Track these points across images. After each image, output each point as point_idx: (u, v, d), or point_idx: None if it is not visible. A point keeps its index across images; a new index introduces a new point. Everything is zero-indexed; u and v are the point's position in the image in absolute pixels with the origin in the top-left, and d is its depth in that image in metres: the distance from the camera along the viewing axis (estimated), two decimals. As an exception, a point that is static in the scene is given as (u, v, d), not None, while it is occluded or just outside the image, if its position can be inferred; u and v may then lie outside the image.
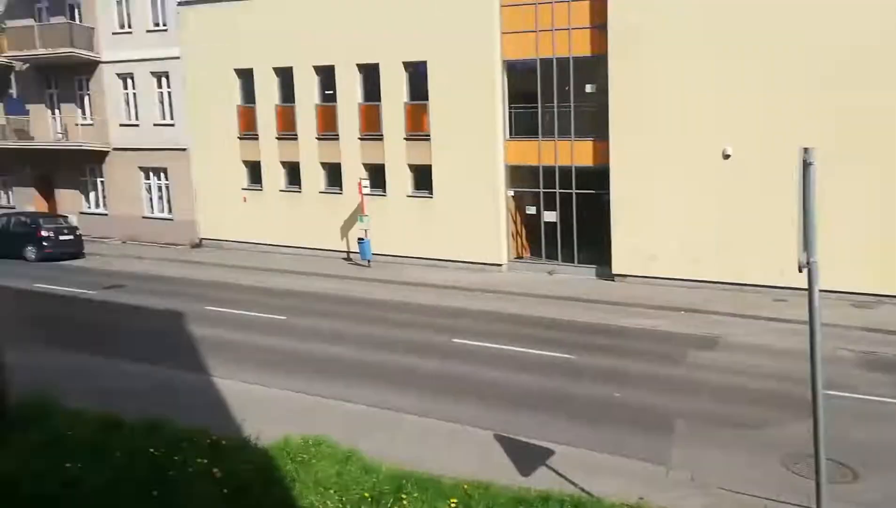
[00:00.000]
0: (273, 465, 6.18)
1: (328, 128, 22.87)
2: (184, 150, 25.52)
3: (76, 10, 26.79)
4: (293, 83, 23.10)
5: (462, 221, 20.84)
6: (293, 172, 24.01)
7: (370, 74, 21.98)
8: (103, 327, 13.56)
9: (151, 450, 6.16)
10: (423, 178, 21.78)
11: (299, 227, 23.94)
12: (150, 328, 13.48)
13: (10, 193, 30.28)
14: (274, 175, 24.22)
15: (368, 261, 21.83)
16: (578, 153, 19.25)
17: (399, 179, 22.00)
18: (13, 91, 29.22)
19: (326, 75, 22.64)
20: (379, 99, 21.72)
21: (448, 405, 9.34)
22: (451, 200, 21.05)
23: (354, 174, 22.36)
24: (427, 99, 20.95)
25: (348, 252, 23.33)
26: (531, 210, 20.80)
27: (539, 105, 19.73)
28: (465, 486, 6.23)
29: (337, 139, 22.71)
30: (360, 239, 21.83)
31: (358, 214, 22.14)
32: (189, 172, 25.66)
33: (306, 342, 12.52)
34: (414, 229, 22.01)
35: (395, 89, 21.40)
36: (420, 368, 11.03)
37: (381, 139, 21.97)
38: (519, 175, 20.66)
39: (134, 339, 12.55)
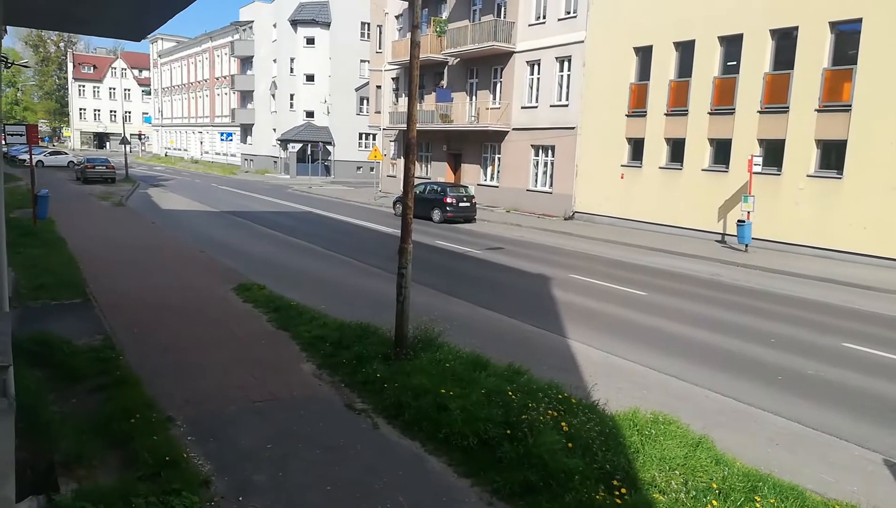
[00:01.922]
0: (618, 432, 5.97)
1: (724, 101, 21.42)
2: (572, 128, 26.85)
3: (502, 8, 30.58)
4: (692, 56, 22.31)
5: (878, 207, 17.27)
6: (677, 149, 23.16)
7: (783, 40, 19.89)
8: (482, 281, 14.64)
9: (510, 393, 6.46)
10: (833, 155, 18.74)
11: (674, 205, 22.96)
12: (520, 287, 14.13)
13: (429, 165, 36.09)
14: (656, 152, 23.72)
15: (746, 246, 19.65)
16: None
17: (800, 156, 19.33)
18: (444, 82, 34.80)
19: (731, 45, 21.27)
20: (791, 67, 19.47)
21: (823, 414, 7.48)
22: (868, 181, 17.63)
23: (745, 151, 20.44)
24: (854, 64, 17.98)
25: (724, 235, 21.43)
26: None
27: None
28: (837, 506, 5.09)
29: (732, 113, 21.10)
30: (739, 221, 19.80)
31: (742, 193, 20.16)
32: (574, 149, 26.88)
33: (666, 321, 11.56)
34: (809, 213, 19.08)
35: (813, 55, 18.90)
36: (795, 368, 9.13)
37: (785, 112, 19.65)
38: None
39: (506, 295, 13.24)
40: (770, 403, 7.78)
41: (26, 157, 35.60)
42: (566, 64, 27.45)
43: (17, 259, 12.48)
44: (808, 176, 19.20)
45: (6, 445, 4.55)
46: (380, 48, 40.46)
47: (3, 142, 16.85)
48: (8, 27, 8.39)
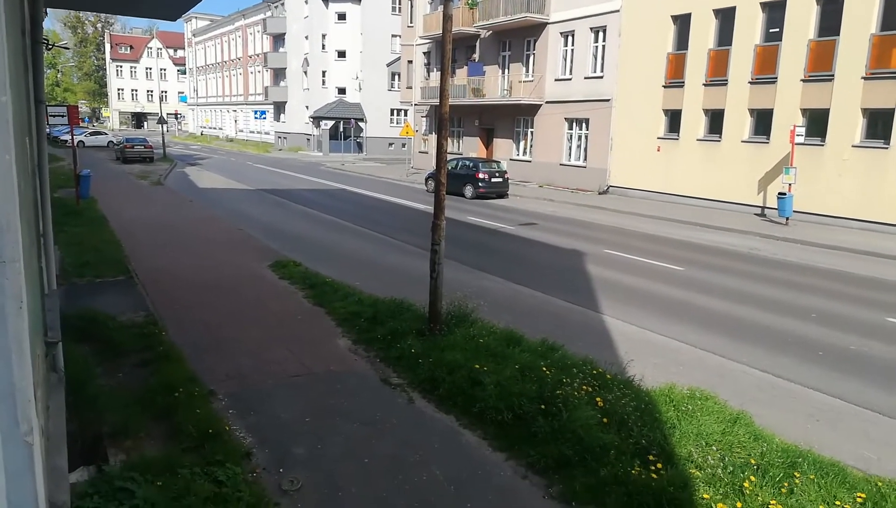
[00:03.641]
0: (654, 408, 5.91)
1: (765, 70, 20.75)
2: (607, 100, 26.36)
3: (536, -22, 29.97)
4: (733, 24, 21.60)
5: (929, 178, 16.64)
6: (715, 120, 22.58)
7: (828, 5, 19.11)
8: (515, 257, 14.55)
9: (543, 368, 6.44)
10: (880, 124, 18.07)
11: (712, 178, 22.47)
12: (553, 263, 14.01)
13: (460, 141, 35.89)
14: (693, 123, 23.16)
15: (787, 219, 19.16)
16: None
17: (845, 126, 18.67)
18: (476, 56, 34.38)
19: (773, 11, 20.52)
20: (837, 33, 18.72)
21: (865, 390, 7.25)
22: (918, 151, 17.01)
23: (788, 121, 19.82)
24: (904, 28, 17.24)
25: (763, 207, 20.92)
26: None
27: None
28: (880, 483, 4.93)
29: (774, 82, 20.44)
30: (780, 194, 19.27)
31: (784, 165, 19.60)
32: (609, 122, 26.41)
33: (703, 296, 11.35)
34: (854, 184, 18.50)
35: (860, 20, 18.14)
36: (837, 344, 8.88)
37: (830, 80, 18.95)
38: None
39: (539, 271, 13.14)
40: (810, 379, 7.63)
41: (68, 137, 36.50)
42: (601, 34, 26.86)
43: (61, 238, 12.87)
44: (853, 146, 18.55)
45: (59, 417, 4.74)
46: (411, 22, 40.11)
47: (47, 123, 17.26)
48: (48, 9, 8.55)
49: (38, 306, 4.49)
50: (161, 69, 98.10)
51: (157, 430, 5.44)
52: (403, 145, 48.21)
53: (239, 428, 5.60)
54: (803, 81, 19.68)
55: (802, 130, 19.24)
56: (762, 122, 21.11)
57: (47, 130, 10.62)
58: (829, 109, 19.05)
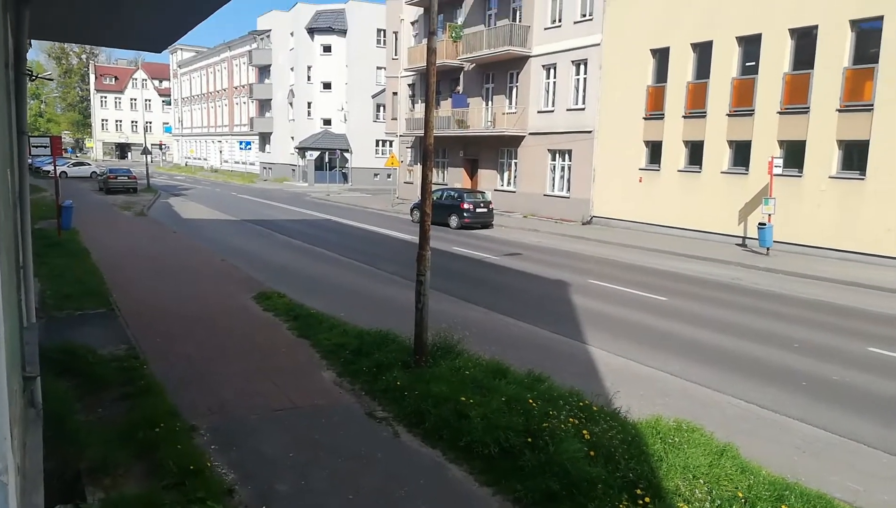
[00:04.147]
0: (641, 440, 5.92)
1: (742, 103, 21.24)
2: (589, 132, 26.76)
3: (518, 12, 30.58)
4: (710, 57, 22.15)
5: (904, 208, 16.99)
6: (695, 152, 22.99)
7: (802, 40, 19.67)
8: (500, 288, 14.54)
9: (530, 400, 6.45)
10: (855, 156, 18.49)
11: (693, 208, 22.78)
12: (538, 293, 14.05)
13: (445, 172, 36.14)
14: (674, 155, 23.56)
15: (768, 249, 19.42)
16: None
17: (822, 157, 19.09)
18: (460, 88, 34.86)
19: (749, 45, 21.09)
20: (811, 66, 19.24)
21: (850, 421, 7.33)
22: (892, 182, 17.41)
23: (766, 152, 20.23)
24: (876, 62, 17.73)
25: (744, 238, 21.21)
26: None
27: None
28: None
29: (751, 115, 20.91)
30: (760, 224, 19.57)
31: (763, 196, 19.94)
32: (591, 153, 26.77)
33: (687, 326, 11.44)
34: (832, 215, 18.83)
35: (831, 54, 18.68)
36: (820, 374, 8.97)
37: (805, 112, 19.42)
38: None
39: (524, 301, 13.18)
40: (795, 410, 7.67)
41: (50, 168, 36.26)
42: (582, 67, 27.38)
43: (42, 270, 12.69)
44: (830, 177, 18.95)
45: (35, 454, 4.62)
46: (396, 55, 40.67)
47: (29, 154, 17.16)
48: (32, 41, 8.58)
49: (17, 339, 4.41)
50: (146, 100, 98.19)
51: (138, 466, 5.32)
52: (389, 176, 48.48)
53: (221, 464, 5.49)
54: (780, 113, 20.15)
55: (780, 162, 19.64)
56: (741, 153, 21.53)
57: (29, 160, 10.57)
58: (805, 141, 19.48)
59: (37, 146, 17.59)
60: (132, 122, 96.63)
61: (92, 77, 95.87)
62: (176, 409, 6.40)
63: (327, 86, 53.24)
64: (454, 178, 35.17)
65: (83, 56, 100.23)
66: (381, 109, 51.02)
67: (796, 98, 19.71)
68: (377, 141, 53.20)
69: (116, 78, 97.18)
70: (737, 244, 21.35)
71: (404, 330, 8.60)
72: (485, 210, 26.37)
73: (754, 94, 20.80)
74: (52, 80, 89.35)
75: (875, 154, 17.81)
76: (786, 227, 19.56)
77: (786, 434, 6.92)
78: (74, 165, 53.89)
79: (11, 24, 5.51)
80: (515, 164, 31.23)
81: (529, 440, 5.68)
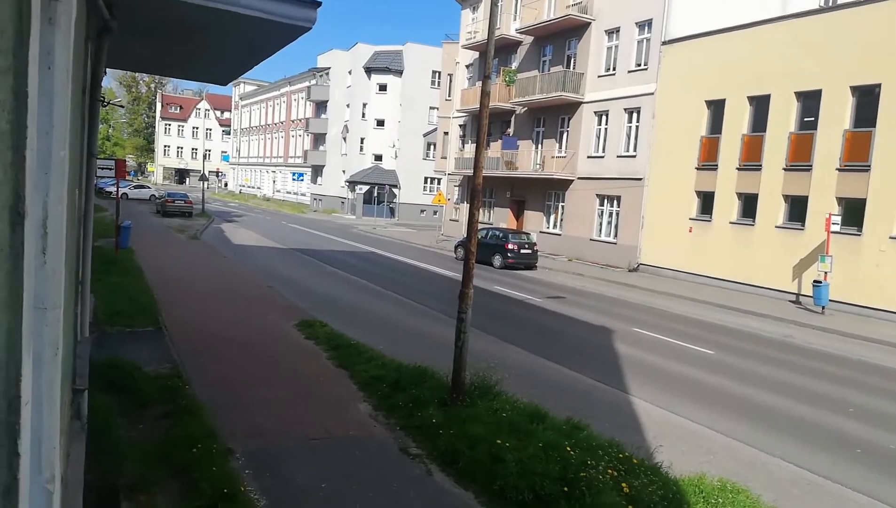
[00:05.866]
0: (683, 498, 5.74)
1: (799, 158, 20.78)
2: (639, 179, 26.54)
3: (572, 60, 30.88)
4: (767, 111, 21.84)
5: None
6: (749, 204, 22.51)
7: (864, 97, 19.26)
8: (542, 330, 14.40)
9: (568, 448, 6.32)
10: (918, 216, 17.85)
11: (745, 262, 22.20)
12: (581, 338, 13.86)
13: (491, 211, 36.28)
14: (726, 206, 23.11)
15: (823, 308, 18.72)
16: None
17: (882, 216, 18.44)
18: (510, 130, 35.19)
19: (808, 101, 20.74)
20: (873, 124, 18.78)
21: None
22: (959, 246, 16.67)
23: (823, 209, 19.67)
24: (942, 122, 17.21)
25: (798, 295, 20.50)
26: None
27: None
28: None
29: (808, 170, 20.43)
30: (816, 281, 18.91)
31: (819, 253, 19.32)
32: (641, 200, 26.50)
33: (735, 383, 11.05)
34: (892, 275, 18.09)
35: (893, 112, 18.20)
36: (876, 441, 8.48)
37: (866, 170, 18.88)
38: None
39: (566, 345, 12.99)
40: (848, 478, 7.26)
41: (113, 189, 37.89)
42: (635, 115, 27.32)
43: (97, 286, 13.15)
44: (890, 238, 18.26)
45: (77, 465, 4.72)
46: (449, 96, 41.43)
47: (95, 175, 17.99)
48: (108, 69, 9.10)
49: (70, 352, 4.56)
50: (207, 129, 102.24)
51: (173, 485, 5.37)
52: (435, 213, 48.91)
53: (254, 489, 5.50)
54: (839, 169, 19.63)
55: (838, 219, 19.06)
56: (797, 208, 20.98)
57: (95, 181, 11.07)
58: (865, 199, 18.89)
59: (102, 168, 18.43)
60: (192, 149, 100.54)
61: (158, 105, 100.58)
62: (214, 430, 6.47)
63: (381, 123, 54.53)
64: (500, 218, 35.25)
65: (152, 85, 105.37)
66: (432, 147, 51.85)
67: (856, 155, 19.19)
68: (425, 178, 53.95)
69: (181, 107, 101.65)
70: (790, 301, 20.64)
71: (442, 366, 8.55)
72: (529, 251, 26.25)
73: (812, 149, 20.34)
74: (122, 106, 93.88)
75: (940, 216, 17.14)
76: (843, 286, 18.87)
77: (838, 502, 6.56)
78: (135, 187, 56.20)
79: (91, 54, 5.85)
80: (562, 207, 31.12)
81: (566, 489, 5.53)
